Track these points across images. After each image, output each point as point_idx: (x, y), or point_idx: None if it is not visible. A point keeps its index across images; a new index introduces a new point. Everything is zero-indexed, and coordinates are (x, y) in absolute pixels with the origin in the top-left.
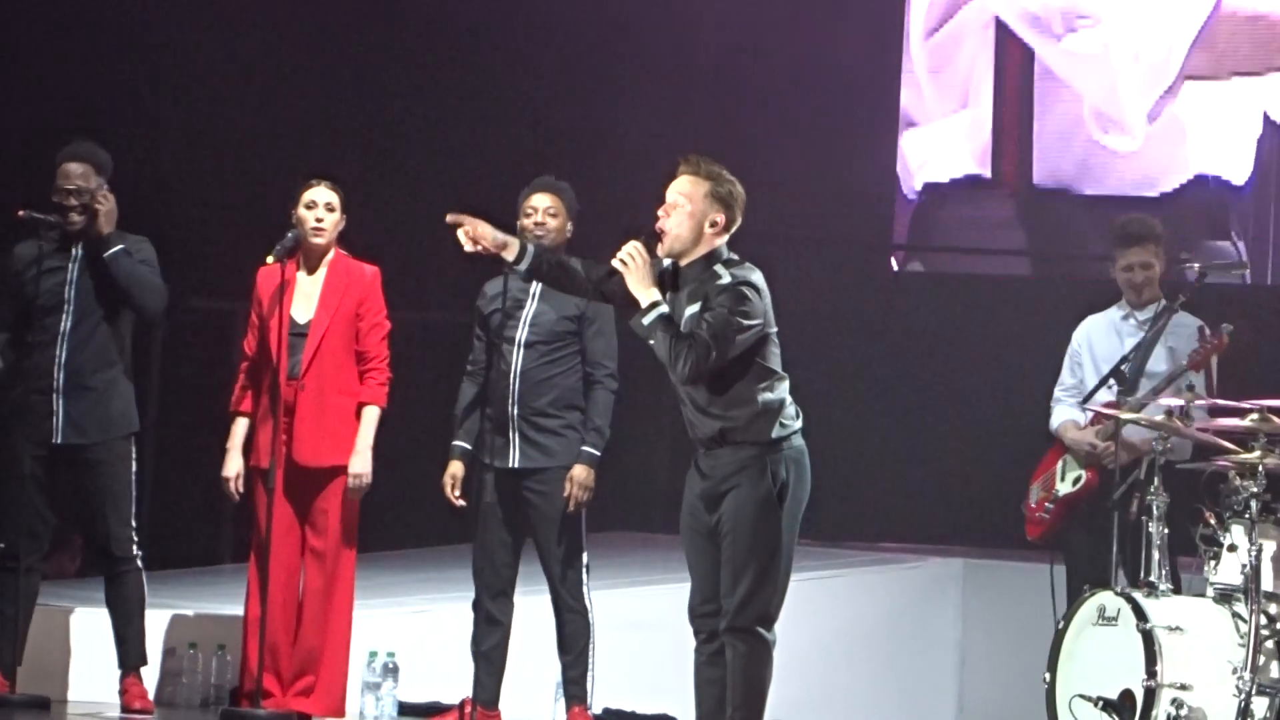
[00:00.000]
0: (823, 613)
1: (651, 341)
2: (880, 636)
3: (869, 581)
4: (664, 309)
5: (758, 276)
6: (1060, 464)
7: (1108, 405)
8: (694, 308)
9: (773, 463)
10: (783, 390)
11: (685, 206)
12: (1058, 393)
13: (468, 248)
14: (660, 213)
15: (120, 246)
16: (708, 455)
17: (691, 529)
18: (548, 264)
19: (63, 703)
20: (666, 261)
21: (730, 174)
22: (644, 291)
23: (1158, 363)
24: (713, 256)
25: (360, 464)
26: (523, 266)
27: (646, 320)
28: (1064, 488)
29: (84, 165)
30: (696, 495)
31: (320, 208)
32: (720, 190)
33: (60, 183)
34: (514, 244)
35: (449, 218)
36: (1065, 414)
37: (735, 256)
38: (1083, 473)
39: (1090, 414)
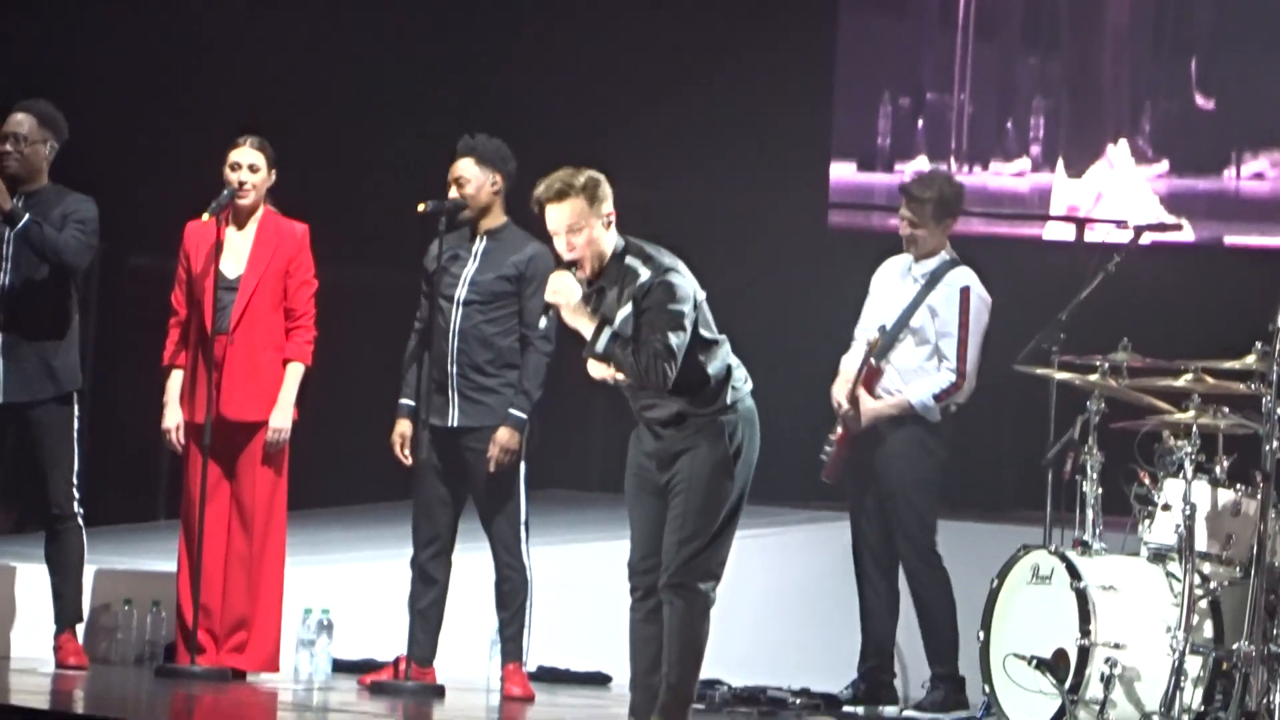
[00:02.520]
0: (759, 572)
1: (611, 365)
2: (816, 594)
3: (805, 540)
4: (610, 328)
5: (671, 258)
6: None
7: (866, 363)
8: (626, 309)
9: (729, 425)
10: (724, 354)
11: (583, 229)
12: (856, 331)
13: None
14: (561, 246)
15: (26, 218)
16: (665, 425)
17: (638, 487)
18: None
19: (2, 659)
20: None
21: (577, 168)
22: (584, 322)
23: (918, 320)
24: (619, 253)
25: (280, 419)
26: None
27: (600, 346)
28: (832, 433)
29: (28, 116)
30: (647, 453)
31: (244, 169)
32: (594, 192)
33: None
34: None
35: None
36: (845, 358)
37: (635, 241)
38: (838, 428)
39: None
